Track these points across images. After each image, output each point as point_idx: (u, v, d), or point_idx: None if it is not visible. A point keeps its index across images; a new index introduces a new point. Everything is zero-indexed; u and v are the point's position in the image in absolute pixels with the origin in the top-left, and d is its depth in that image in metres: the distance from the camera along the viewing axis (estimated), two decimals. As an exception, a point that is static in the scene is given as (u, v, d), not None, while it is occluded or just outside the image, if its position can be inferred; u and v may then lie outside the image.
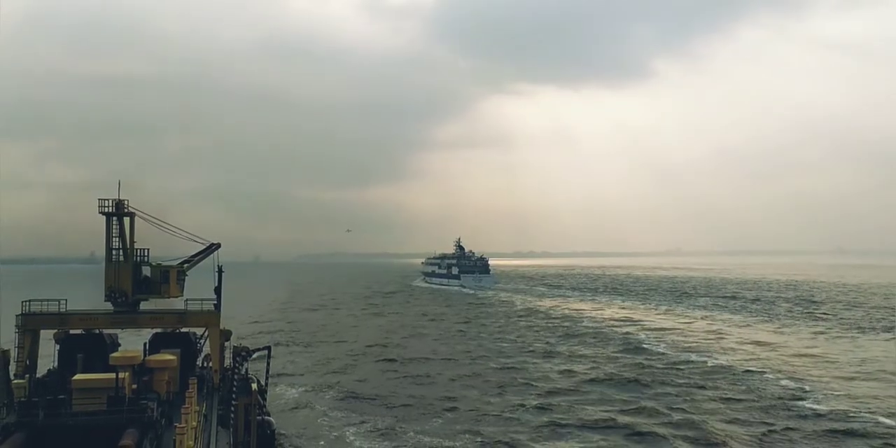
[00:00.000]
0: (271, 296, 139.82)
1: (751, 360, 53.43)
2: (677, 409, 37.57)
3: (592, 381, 46.22)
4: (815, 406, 37.91)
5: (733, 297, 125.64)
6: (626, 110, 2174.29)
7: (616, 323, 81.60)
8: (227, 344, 28.75)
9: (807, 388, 42.75)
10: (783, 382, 44.45)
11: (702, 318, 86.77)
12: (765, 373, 47.67)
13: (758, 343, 63.00)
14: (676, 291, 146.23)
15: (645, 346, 61.17)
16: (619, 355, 56.38)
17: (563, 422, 35.28)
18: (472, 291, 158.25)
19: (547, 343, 64.15)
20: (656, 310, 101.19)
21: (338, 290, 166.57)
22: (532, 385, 44.82)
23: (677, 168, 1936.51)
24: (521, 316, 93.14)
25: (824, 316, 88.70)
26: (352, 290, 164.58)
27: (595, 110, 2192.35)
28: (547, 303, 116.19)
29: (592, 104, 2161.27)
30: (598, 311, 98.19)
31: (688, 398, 40.26)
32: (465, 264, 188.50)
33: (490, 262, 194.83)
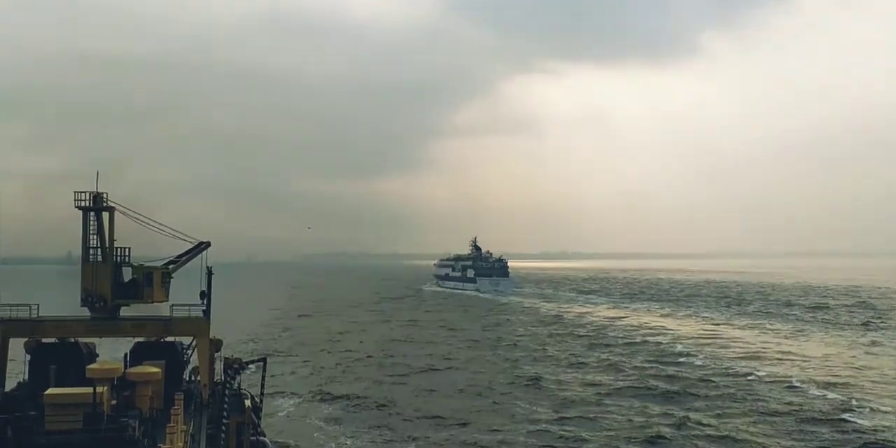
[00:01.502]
0: (265, 300, 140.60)
1: (800, 373, 52.93)
2: (709, 425, 37.49)
3: (620, 392, 46.45)
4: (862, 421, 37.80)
5: (788, 304, 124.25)
6: (670, 92, 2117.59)
7: (651, 332, 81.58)
8: (217, 355, 28.62)
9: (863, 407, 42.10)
10: (831, 397, 44.15)
11: (749, 328, 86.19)
12: (815, 389, 47.05)
13: (810, 357, 62.23)
14: (723, 298, 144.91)
15: (682, 358, 61.04)
16: (650, 366, 56.51)
17: (588, 436, 35.34)
18: (489, 296, 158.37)
19: (572, 354, 64.19)
20: (697, 318, 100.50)
21: (340, 295, 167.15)
22: (554, 396, 44.99)
23: (729, 158, 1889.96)
24: (545, 323, 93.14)
25: (880, 323, 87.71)
26: (355, 295, 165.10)
27: (635, 92, 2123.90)
28: (576, 309, 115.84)
29: (631, 85, 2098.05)
30: (632, 320, 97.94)
31: (723, 412, 40.24)
32: (482, 266, 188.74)
33: (512, 264, 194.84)
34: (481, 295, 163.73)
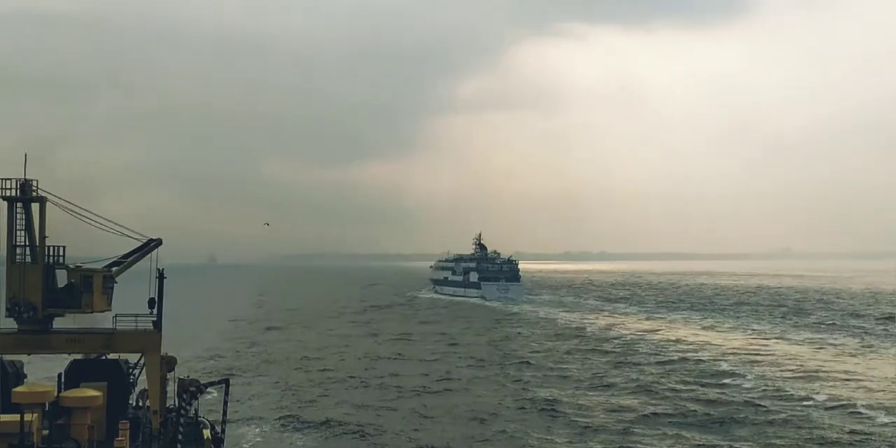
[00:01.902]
0: (229, 309, 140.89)
1: (867, 397, 53.21)
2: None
3: (651, 419, 46.88)
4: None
5: (855, 315, 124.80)
6: (714, 60, 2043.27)
7: (690, 348, 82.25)
8: (170, 375, 28.77)
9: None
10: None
11: (808, 343, 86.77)
12: (884, 416, 47.32)
13: (879, 378, 62.57)
14: (777, 307, 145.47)
15: (726, 379, 61.54)
16: (688, 388, 57.06)
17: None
18: (496, 305, 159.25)
19: (595, 374, 64.66)
20: (747, 331, 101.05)
21: (316, 303, 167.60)
22: (573, 423, 45.40)
23: (787, 139, 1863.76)
24: (563, 337, 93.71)
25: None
26: (335, 304, 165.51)
27: (670, 60, 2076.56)
28: (601, 321, 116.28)
29: (669, 51, 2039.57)
30: (668, 333, 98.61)
31: (774, 443, 40.72)
32: (488, 269, 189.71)
33: (524, 266, 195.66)
34: (487, 303, 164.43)
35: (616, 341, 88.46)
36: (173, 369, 29.07)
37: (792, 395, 54.26)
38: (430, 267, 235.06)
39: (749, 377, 61.93)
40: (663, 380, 61.05)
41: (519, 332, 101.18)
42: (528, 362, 71.81)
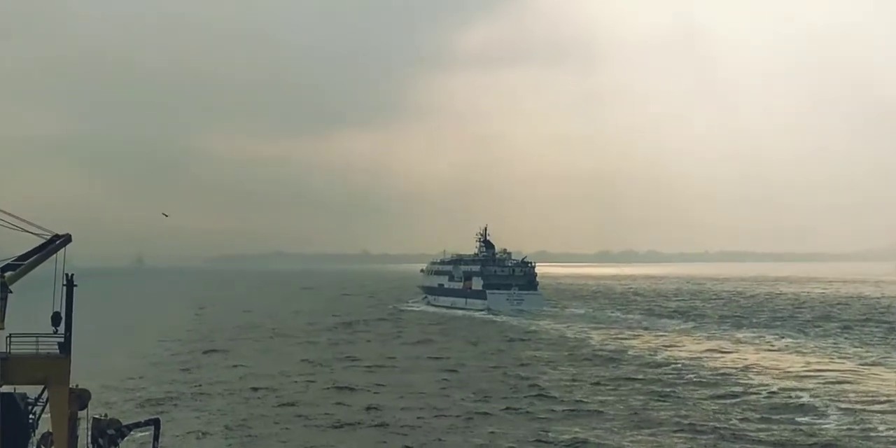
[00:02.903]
0: (158, 326, 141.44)
1: None
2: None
3: None
4: None
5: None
6: (806, 2, 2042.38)
7: (759, 374, 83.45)
8: (81, 414, 29.23)
9: None
10: None
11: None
12: None
13: None
14: (880, 323, 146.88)
15: (803, 416, 62.42)
16: (753, 425, 58.10)
17: None
18: (507, 320, 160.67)
19: (631, 409, 65.42)
20: (835, 353, 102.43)
21: (272, 318, 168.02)
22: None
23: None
24: (593, 362, 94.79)
25: None
26: (297, 319, 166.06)
27: (757, 3, 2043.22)
28: (644, 341, 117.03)
29: None
30: (732, 356, 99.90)
31: None
32: (495, 273, 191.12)
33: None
34: (494, 318, 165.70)
35: (663, 367, 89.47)
36: (86, 406, 29.54)
37: (882, 434, 55.23)
38: (421, 271, 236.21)
39: (833, 411, 62.96)
40: (722, 415, 62.03)
41: (535, 356, 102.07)
42: (547, 394, 72.59)
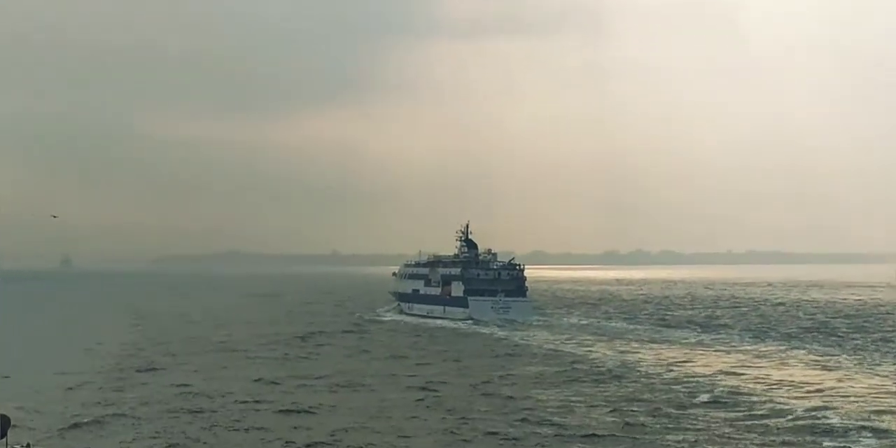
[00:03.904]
0: (87, 340, 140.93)
1: None
2: None
3: None
4: None
5: None
6: None
7: (788, 393, 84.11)
8: (0, 442, 29.19)
9: None
10: None
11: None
12: None
13: None
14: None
15: (832, 440, 62.87)
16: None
17: None
18: (491, 330, 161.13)
19: (634, 434, 65.15)
20: (874, 369, 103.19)
21: (219, 331, 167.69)
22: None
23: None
24: (597, 380, 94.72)
25: None
26: (248, 331, 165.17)
27: None
28: (656, 357, 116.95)
29: None
30: (755, 372, 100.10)
31: None
32: (478, 277, 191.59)
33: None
34: (478, 328, 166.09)
35: (674, 386, 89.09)
36: (5, 434, 29.48)
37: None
38: (393, 274, 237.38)
39: (865, 439, 63.03)
40: (736, 440, 62.27)
41: (525, 373, 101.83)
42: (536, 417, 72.15)
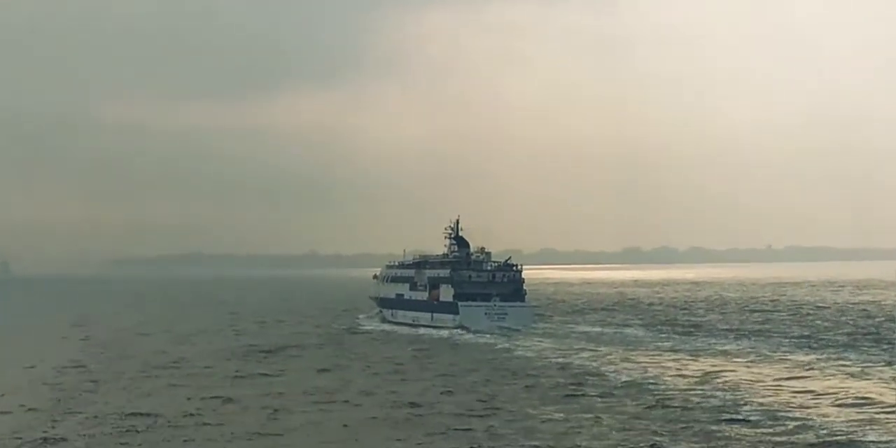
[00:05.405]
0: (21, 356, 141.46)
1: None
2: None
3: None
4: None
5: None
6: None
7: (831, 406, 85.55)
8: None
9: None
10: None
11: None
12: None
13: None
14: None
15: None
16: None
17: None
18: (486, 339, 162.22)
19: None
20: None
21: (174, 344, 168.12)
22: None
23: None
24: (610, 393, 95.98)
25: None
26: (207, 345, 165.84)
27: None
28: (679, 370, 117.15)
29: None
30: (797, 385, 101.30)
31: None
32: (470, 279, 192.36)
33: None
34: (469, 338, 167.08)
35: (697, 401, 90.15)
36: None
37: None
38: (374, 277, 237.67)
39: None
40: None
41: (525, 388, 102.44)
42: (537, 437, 72.76)
